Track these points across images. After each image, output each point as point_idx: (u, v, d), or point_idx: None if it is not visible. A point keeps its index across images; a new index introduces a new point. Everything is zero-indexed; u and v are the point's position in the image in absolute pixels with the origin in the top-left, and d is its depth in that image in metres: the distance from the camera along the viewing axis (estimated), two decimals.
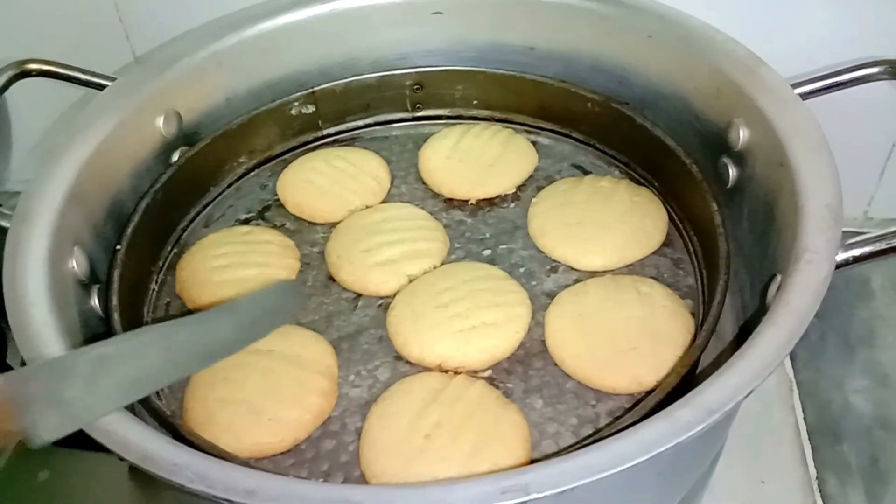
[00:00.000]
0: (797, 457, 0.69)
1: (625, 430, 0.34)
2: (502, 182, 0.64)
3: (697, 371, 0.49)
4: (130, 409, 0.48)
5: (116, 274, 0.53)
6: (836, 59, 0.60)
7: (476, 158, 0.65)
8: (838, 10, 0.64)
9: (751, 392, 0.35)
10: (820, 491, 0.66)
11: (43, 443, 0.32)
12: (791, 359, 0.75)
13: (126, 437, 0.35)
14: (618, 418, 0.46)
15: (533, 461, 0.45)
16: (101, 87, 0.60)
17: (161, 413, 0.44)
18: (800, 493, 0.66)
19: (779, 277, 0.44)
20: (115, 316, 0.50)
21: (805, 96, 0.53)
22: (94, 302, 0.52)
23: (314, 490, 0.33)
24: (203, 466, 0.34)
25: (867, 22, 0.64)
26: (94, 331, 0.51)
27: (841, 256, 0.42)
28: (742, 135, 0.54)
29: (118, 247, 0.54)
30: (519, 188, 0.64)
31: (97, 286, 0.53)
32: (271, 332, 0.47)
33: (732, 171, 0.56)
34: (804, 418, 0.71)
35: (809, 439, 0.70)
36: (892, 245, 0.42)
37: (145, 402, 0.46)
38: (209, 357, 0.42)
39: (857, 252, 0.42)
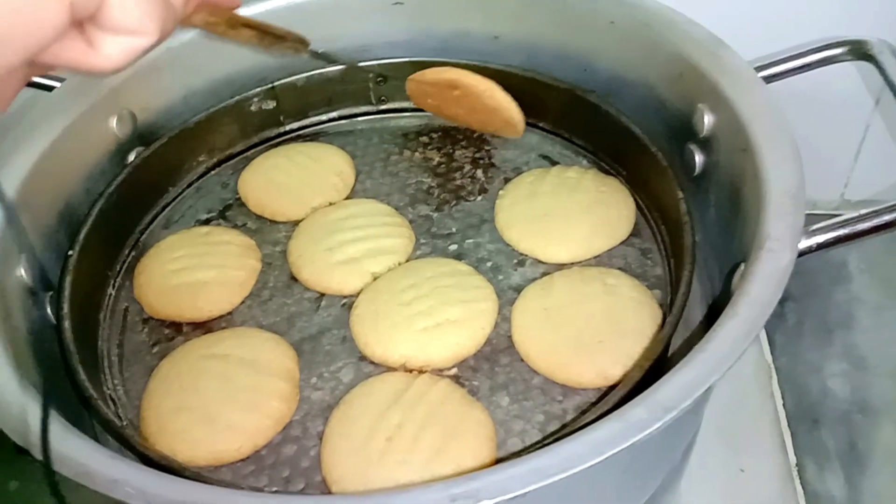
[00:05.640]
0: (776, 444, 0.68)
1: (578, 431, 0.33)
2: None
3: (669, 362, 0.48)
4: (82, 424, 0.47)
5: (68, 280, 0.51)
6: (803, 40, 0.59)
7: None
8: None
9: (709, 388, 0.34)
10: (799, 477, 0.66)
11: None
12: (769, 344, 0.75)
13: (61, 451, 0.34)
14: (584, 413, 0.45)
15: (498, 461, 0.44)
16: (49, 89, 0.58)
17: (112, 424, 0.43)
18: (779, 480, 0.66)
19: (742, 266, 0.43)
20: (66, 323, 0.49)
21: (769, 79, 0.51)
22: (47, 309, 0.51)
23: (259, 503, 0.32)
24: (144, 481, 0.33)
25: (832, 1, 0.63)
26: (46, 340, 0.49)
27: (804, 244, 0.41)
28: (707, 120, 0.53)
29: (70, 252, 0.53)
30: (486, 180, 0.63)
31: (49, 293, 0.52)
32: None
33: (699, 158, 0.55)
34: (783, 404, 0.71)
35: (789, 426, 0.69)
36: (857, 230, 0.41)
37: (98, 414, 0.45)
38: None
39: (820, 239, 0.41)
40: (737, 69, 0.51)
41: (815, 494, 0.65)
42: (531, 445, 0.44)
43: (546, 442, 0.40)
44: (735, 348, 0.35)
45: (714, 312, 0.50)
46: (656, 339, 0.44)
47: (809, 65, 0.52)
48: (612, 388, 0.47)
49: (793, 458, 0.67)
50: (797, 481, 0.66)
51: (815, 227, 0.41)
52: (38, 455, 0.32)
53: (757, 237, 0.42)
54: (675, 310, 0.45)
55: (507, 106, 0.58)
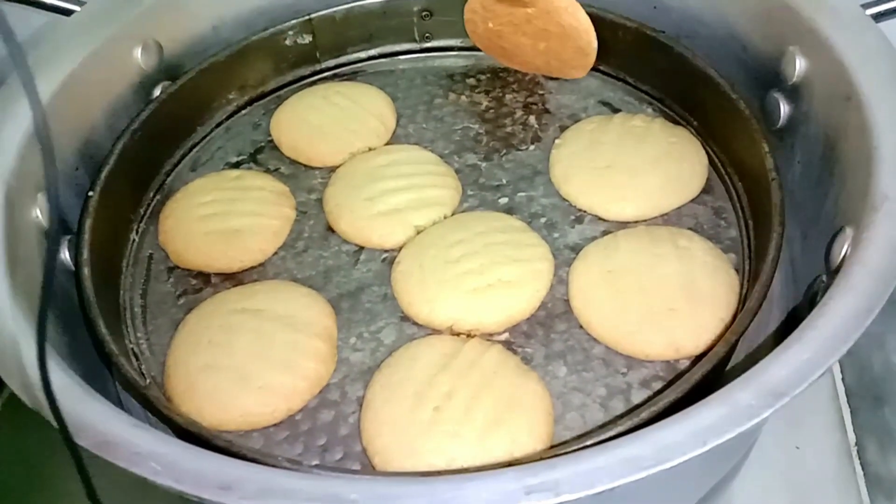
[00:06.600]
0: (835, 421, 0.64)
1: (673, 417, 0.28)
2: None
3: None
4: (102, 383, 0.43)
5: (88, 223, 0.47)
6: None
7: None
8: None
9: (825, 371, 0.29)
10: (859, 457, 0.62)
11: None
12: None
13: (81, 418, 0.30)
14: (657, 393, 0.41)
15: (554, 446, 0.40)
16: (68, 13, 0.53)
17: (134, 383, 0.39)
18: (837, 459, 0.62)
19: (848, 231, 0.38)
20: (86, 270, 0.45)
21: (878, 17, 0.45)
22: (65, 255, 0.47)
23: (300, 484, 0.28)
24: (170, 455, 0.29)
25: None
26: (63, 286, 0.45)
27: None
28: (798, 65, 0.48)
29: (90, 193, 0.49)
30: (540, 128, 0.57)
31: (68, 237, 0.48)
32: None
33: (784, 108, 0.50)
34: (842, 380, 0.67)
35: (848, 402, 0.65)
36: None
37: (119, 371, 0.41)
38: None
39: None
40: (840, 7, 0.45)
41: (877, 476, 0.61)
42: (596, 429, 0.40)
43: (619, 424, 0.35)
44: (855, 325, 0.30)
45: (800, 282, 0.46)
46: (745, 311, 0.39)
47: None
48: (681, 361, 0.42)
49: (852, 437, 0.63)
50: (856, 461, 0.62)
51: None
52: (47, 415, 0.28)
53: (868, 199, 0.36)
54: (762, 277, 0.40)
55: (586, 27, 0.53)
